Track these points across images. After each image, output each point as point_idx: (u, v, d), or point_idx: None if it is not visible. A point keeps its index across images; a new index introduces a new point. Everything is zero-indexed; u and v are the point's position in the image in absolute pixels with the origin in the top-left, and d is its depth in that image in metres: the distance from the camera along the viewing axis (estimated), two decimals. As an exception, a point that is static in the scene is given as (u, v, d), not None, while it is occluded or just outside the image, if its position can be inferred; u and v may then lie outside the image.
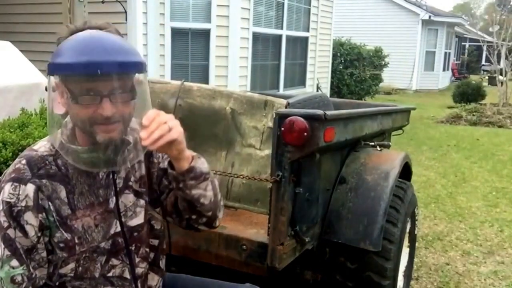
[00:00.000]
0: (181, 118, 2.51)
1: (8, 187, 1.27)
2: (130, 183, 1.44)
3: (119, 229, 1.39)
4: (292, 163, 2.02)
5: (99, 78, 1.20)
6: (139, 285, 1.45)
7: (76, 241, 1.32)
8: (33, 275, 1.29)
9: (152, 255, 1.51)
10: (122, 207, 1.41)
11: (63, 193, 1.31)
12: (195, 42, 6.74)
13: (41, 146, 1.35)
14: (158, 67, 6.21)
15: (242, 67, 7.22)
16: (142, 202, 1.45)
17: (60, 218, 1.30)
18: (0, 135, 2.64)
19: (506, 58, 14.43)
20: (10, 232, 1.26)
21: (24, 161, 1.30)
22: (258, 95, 2.45)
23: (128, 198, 1.42)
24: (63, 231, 1.30)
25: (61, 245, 1.31)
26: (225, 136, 2.47)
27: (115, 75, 1.23)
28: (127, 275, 1.42)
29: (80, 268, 1.34)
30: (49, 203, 1.29)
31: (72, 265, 1.33)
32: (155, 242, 1.53)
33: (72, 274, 1.34)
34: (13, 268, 1.25)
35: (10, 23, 6.99)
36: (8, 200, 1.26)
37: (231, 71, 6.99)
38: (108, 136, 1.27)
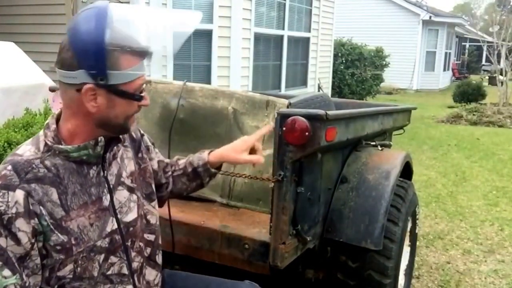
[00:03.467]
0: (183, 118, 2.54)
1: None
2: (123, 179, 1.44)
3: (115, 226, 1.39)
4: (293, 162, 2.03)
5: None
6: (135, 279, 1.45)
7: (73, 242, 1.30)
8: (27, 284, 1.24)
9: (148, 250, 1.51)
10: (117, 204, 1.40)
11: (54, 195, 1.28)
12: (197, 43, 6.76)
13: (26, 151, 1.31)
14: (160, 68, 6.23)
15: (244, 67, 7.24)
16: (135, 197, 1.46)
17: (54, 221, 1.27)
18: (5, 135, 2.66)
19: (506, 58, 14.43)
20: (1, 241, 1.21)
21: (9, 167, 1.26)
22: (260, 95, 2.46)
23: (122, 194, 1.42)
24: (59, 234, 1.28)
25: (58, 247, 1.28)
26: (227, 135, 2.48)
27: None
28: (125, 271, 1.41)
29: (79, 269, 1.32)
30: (41, 207, 1.25)
31: (70, 266, 1.31)
32: (151, 237, 1.53)
33: (71, 276, 1.32)
34: (5, 278, 1.21)
35: (14, 24, 7.01)
36: None
37: (233, 72, 7.01)
38: (134, 124, 1.43)
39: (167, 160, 1.75)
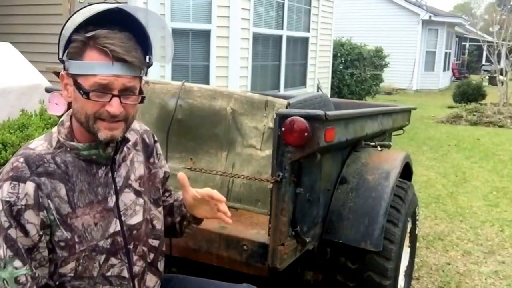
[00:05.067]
0: (181, 118, 2.51)
1: (6, 186, 1.24)
2: (130, 182, 1.44)
3: (118, 228, 1.39)
4: (292, 163, 2.01)
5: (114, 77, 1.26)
6: (136, 284, 1.45)
7: (76, 239, 1.30)
8: (36, 275, 1.27)
9: (151, 255, 1.51)
10: (122, 206, 1.41)
11: (63, 191, 1.30)
12: (195, 43, 6.74)
13: (38, 145, 1.34)
14: (158, 68, 6.20)
15: (242, 67, 7.22)
16: (141, 200, 1.47)
17: (60, 216, 1.29)
18: (0, 136, 2.64)
19: (507, 58, 14.42)
20: (12, 232, 1.23)
21: (22, 159, 1.28)
22: (259, 96, 2.45)
23: (128, 197, 1.43)
24: (63, 230, 1.29)
25: (62, 244, 1.29)
26: (225, 136, 2.46)
27: (130, 76, 1.29)
28: (125, 274, 1.41)
29: (80, 268, 1.33)
30: (49, 201, 1.27)
31: (72, 265, 1.32)
32: (155, 242, 1.53)
33: (72, 274, 1.32)
34: (16, 268, 1.23)
35: (10, 24, 6.99)
36: (8, 199, 1.23)
37: (231, 72, 6.99)
38: (110, 134, 1.31)
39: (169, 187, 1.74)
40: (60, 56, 1.29)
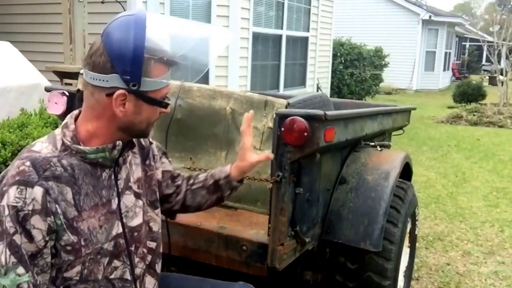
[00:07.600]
0: (180, 118, 2.51)
1: (13, 191, 1.21)
2: (130, 184, 1.45)
3: (120, 230, 1.39)
4: (292, 163, 2.01)
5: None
6: (138, 286, 1.45)
7: (82, 243, 1.30)
8: (38, 282, 1.24)
9: (149, 257, 1.51)
10: (123, 208, 1.41)
11: (69, 195, 1.28)
12: (195, 42, 6.72)
13: (43, 148, 1.31)
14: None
15: (242, 67, 7.22)
16: (140, 202, 1.47)
17: (67, 220, 1.27)
18: (0, 135, 2.63)
19: (507, 58, 14.44)
20: (17, 238, 1.20)
21: (28, 163, 1.25)
22: (258, 95, 2.44)
23: (129, 199, 1.43)
24: (70, 234, 1.28)
25: (68, 248, 1.28)
26: (225, 136, 2.46)
27: None
28: (127, 276, 1.42)
29: (86, 271, 1.32)
30: (56, 205, 1.25)
31: (78, 268, 1.31)
32: (153, 244, 1.53)
33: (77, 278, 1.31)
34: (19, 275, 1.20)
35: (10, 24, 6.99)
36: (15, 204, 1.20)
37: (231, 71, 6.99)
38: (153, 130, 1.44)
39: (177, 172, 1.74)
40: (142, 77, 1.27)
